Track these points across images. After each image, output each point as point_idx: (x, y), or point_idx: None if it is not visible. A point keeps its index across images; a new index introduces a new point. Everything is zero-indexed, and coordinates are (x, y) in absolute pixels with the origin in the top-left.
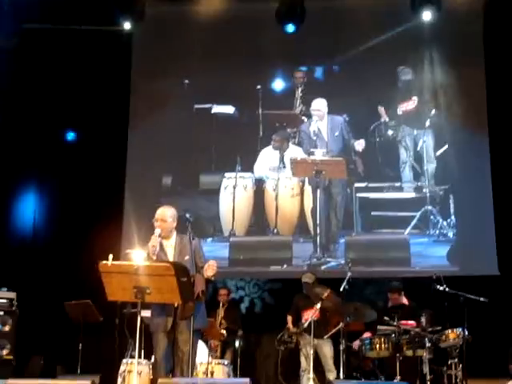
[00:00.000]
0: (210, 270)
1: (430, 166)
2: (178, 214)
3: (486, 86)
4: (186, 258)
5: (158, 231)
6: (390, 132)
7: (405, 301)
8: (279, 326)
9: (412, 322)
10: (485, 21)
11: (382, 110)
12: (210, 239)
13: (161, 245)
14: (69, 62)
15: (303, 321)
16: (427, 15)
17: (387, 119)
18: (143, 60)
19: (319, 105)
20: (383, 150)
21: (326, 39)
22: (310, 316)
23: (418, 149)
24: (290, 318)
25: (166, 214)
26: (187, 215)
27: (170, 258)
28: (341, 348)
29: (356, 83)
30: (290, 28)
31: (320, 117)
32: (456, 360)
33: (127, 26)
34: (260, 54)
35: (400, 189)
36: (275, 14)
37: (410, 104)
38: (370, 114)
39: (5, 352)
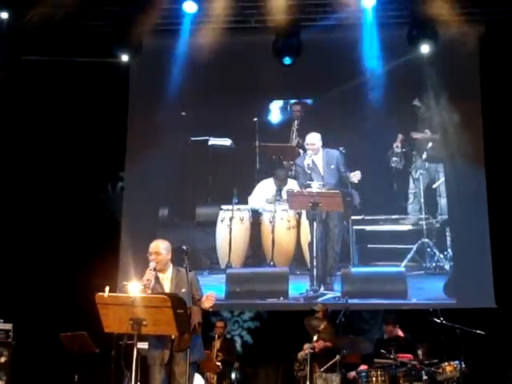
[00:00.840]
0: (208, 301)
1: (427, 199)
2: (172, 247)
3: (482, 118)
4: (183, 290)
5: (152, 265)
6: (395, 160)
7: (400, 333)
8: (276, 358)
9: (409, 355)
10: (481, 54)
11: (400, 136)
12: (206, 271)
13: (157, 278)
14: (66, 93)
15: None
16: (425, 48)
17: (399, 145)
18: (140, 92)
19: (313, 139)
20: (385, 182)
21: (322, 72)
22: (308, 347)
23: (415, 182)
24: (305, 346)
25: (160, 246)
26: (184, 247)
27: (167, 291)
28: (337, 380)
29: (353, 115)
30: (287, 61)
31: (315, 151)
32: None
33: (125, 58)
34: (257, 86)
35: (396, 221)
36: (272, 46)
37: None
38: (366, 146)
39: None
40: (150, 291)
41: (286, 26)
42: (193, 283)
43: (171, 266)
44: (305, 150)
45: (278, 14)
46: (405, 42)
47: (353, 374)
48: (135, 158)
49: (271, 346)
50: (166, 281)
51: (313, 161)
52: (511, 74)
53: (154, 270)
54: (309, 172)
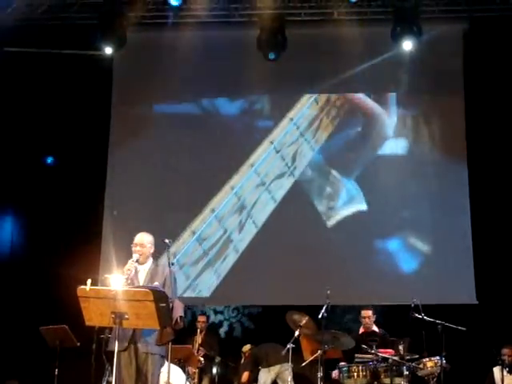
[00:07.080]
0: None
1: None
2: (155, 240)
3: (465, 115)
4: (156, 283)
5: (136, 256)
6: None
7: (375, 328)
8: None
9: (390, 350)
10: (465, 52)
11: None
12: None
13: (135, 269)
14: (50, 85)
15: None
16: (407, 45)
17: None
18: (124, 85)
19: None
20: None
21: (306, 67)
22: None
23: None
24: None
25: (145, 239)
26: (166, 240)
27: (141, 283)
28: (319, 376)
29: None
30: (271, 56)
31: None
32: None
33: (109, 51)
34: (241, 80)
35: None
36: (256, 41)
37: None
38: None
39: None
40: (129, 281)
41: (270, 21)
42: (167, 279)
43: (151, 259)
44: None
45: (263, 8)
46: (388, 39)
47: (336, 372)
48: (118, 151)
49: (253, 340)
50: (143, 272)
51: None
52: (494, 71)
53: (137, 261)
54: None
